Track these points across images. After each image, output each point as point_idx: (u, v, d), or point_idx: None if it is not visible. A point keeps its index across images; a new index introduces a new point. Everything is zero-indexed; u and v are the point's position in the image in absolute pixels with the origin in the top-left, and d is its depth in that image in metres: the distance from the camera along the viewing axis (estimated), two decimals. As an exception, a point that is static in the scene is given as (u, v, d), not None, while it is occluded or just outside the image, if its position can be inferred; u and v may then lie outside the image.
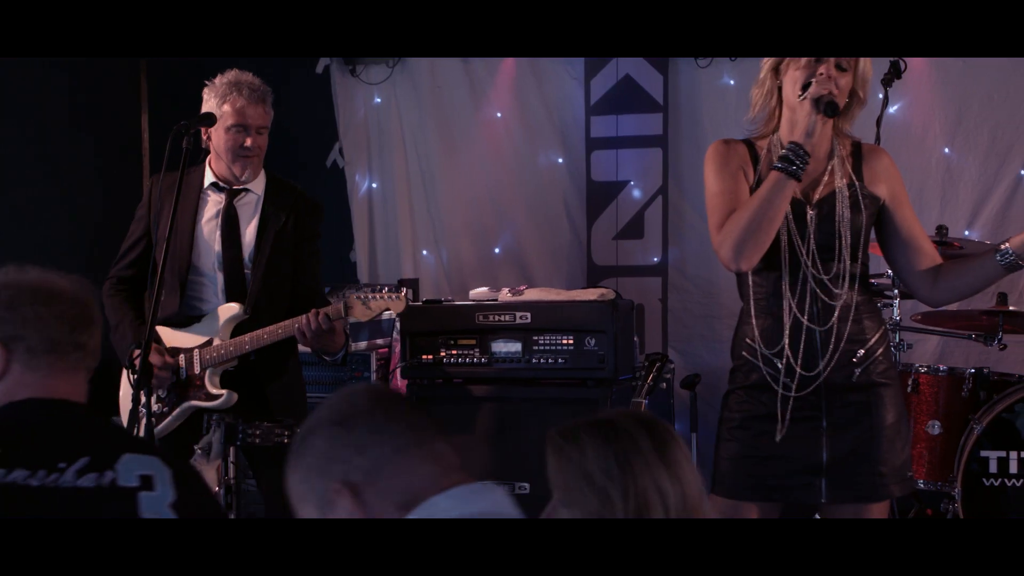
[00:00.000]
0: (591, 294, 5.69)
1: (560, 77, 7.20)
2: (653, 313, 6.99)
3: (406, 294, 4.41)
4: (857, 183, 3.50)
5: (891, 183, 3.57)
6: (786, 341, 3.45)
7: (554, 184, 7.24)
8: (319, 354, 4.54)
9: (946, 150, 6.80)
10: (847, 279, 3.46)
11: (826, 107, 3.34)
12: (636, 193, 7.04)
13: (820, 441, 3.47)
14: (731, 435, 3.57)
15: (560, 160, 7.24)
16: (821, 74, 3.38)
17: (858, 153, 3.59)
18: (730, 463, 3.56)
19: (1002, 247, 3.37)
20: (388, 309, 4.35)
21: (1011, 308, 5.24)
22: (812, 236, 3.46)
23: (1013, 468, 4.93)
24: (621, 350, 5.53)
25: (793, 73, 3.45)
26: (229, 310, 4.47)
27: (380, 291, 4.37)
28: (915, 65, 6.71)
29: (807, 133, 3.36)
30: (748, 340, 3.55)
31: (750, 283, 3.55)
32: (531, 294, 5.74)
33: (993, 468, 4.94)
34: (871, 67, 3.56)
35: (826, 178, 3.50)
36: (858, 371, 3.47)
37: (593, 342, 5.48)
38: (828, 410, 3.47)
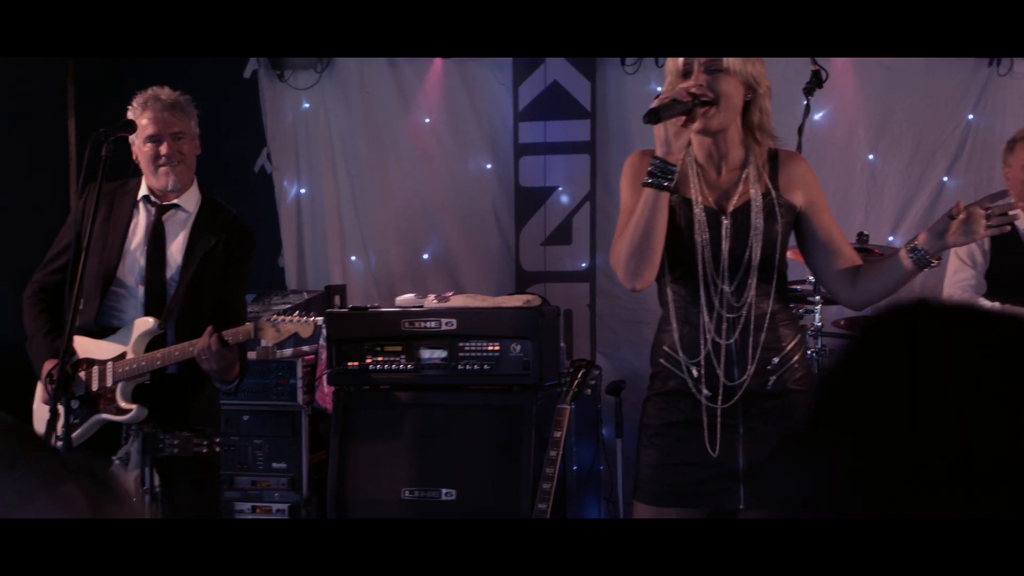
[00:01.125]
0: (517, 300, 5.69)
1: (488, 83, 7.21)
2: (582, 319, 7.01)
3: (315, 319, 4.39)
4: (773, 192, 3.47)
5: (808, 190, 3.54)
6: (709, 350, 3.44)
7: (483, 190, 7.25)
8: (214, 380, 4.48)
9: (870, 156, 6.88)
10: (756, 288, 3.45)
11: (646, 115, 3.26)
12: (564, 199, 7.05)
13: (737, 448, 3.46)
14: (650, 442, 3.55)
15: (489, 166, 7.24)
16: (685, 87, 3.33)
17: (775, 160, 3.55)
18: (650, 470, 3.54)
19: (912, 245, 3.39)
20: (297, 332, 4.32)
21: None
22: (727, 246, 3.45)
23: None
24: (546, 356, 5.54)
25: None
26: (144, 324, 4.42)
27: (291, 314, 4.35)
28: (839, 72, 6.78)
29: (662, 144, 3.31)
30: (666, 348, 3.52)
31: (668, 291, 3.53)
32: (457, 300, 5.73)
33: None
34: (754, 62, 3.44)
35: (740, 188, 3.48)
36: (773, 378, 3.46)
37: (519, 348, 5.48)
38: (745, 417, 3.46)
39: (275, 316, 4.32)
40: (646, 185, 3.31)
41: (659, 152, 3.30)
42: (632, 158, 3.58)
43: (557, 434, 4.93)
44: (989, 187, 6.58)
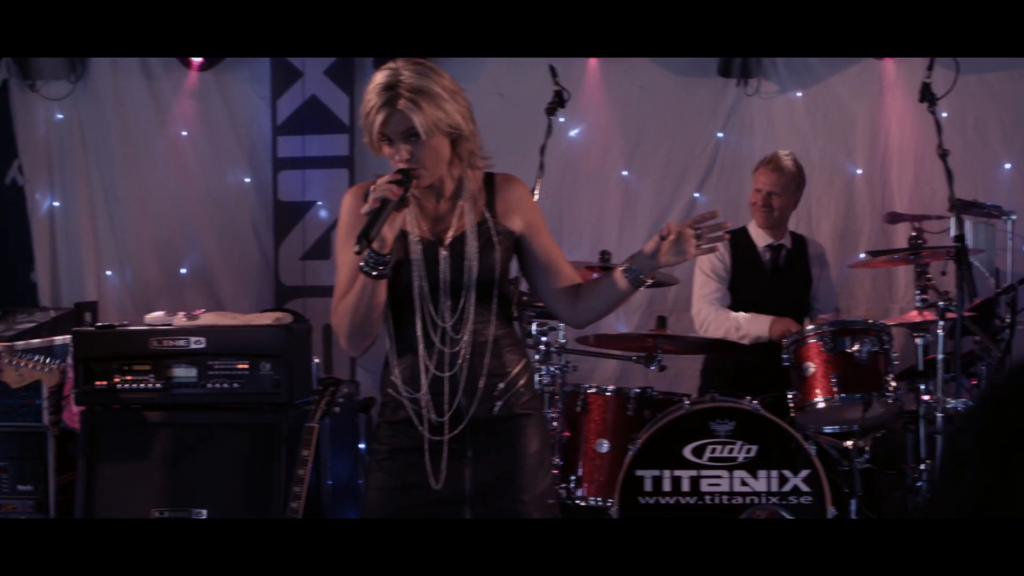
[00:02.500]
0: (267, 318, 5.66)
1: (246, 96, 7.17)
2: (342, 333, 7.01)
3: (60, 366, 4.28)
4: (490, 219, 3.47)
5: (525, 213, 3.55)
6: (429, 383, 3.41)
7: (241, 203, 7.20)
8: None
9: (624, 173, 7.06)
10: (478, 316, 3.45)
11: (359, 241, 3.11)
12: (323, 213, 7.05)
13: (463, 471, 3.48)
14: (379, 466, 3.55)
15: (247, 179, 7.20)
16: (397, 162, 3.27)
17: (490, 186, 3.53)
18: (377, 493, 3.54)
19: (628, 265, 3.48)
20: (40, 380, 4.23)
21: (668, 332, 5.44)
22: (446, 276, 3.43)
23: (667, 486, 5.10)
24: (297, 374, 5.51)
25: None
26: None
27: (36, 360, 4.25)
28: (593, 90, 6.95)
29: (379, 241, 3.18)
30: (393, 378, 3.50)
31: (390, 323, 3.48)
32: (207, 319, 5.66)
33: (648, 487, 5.10)
34: (443, 105, 3.29)
35: (456, 217, 3.46)
36: (499, 404, 3.48)
37: (268, 366, 5.44)
38: (472, 441, 3.48)
39: (18, 360, 4.21)
40: (363, 273, 3.22)
41: (374, 246, 3.16)
42: (349, 199, 3.48)
43: (305, 453, 4.92)
44: (738, 202, 6.84)
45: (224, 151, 7.20)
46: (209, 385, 5.51)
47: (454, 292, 3.42)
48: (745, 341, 5.83)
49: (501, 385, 3.48)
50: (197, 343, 5.51)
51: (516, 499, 3.50)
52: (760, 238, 6.10)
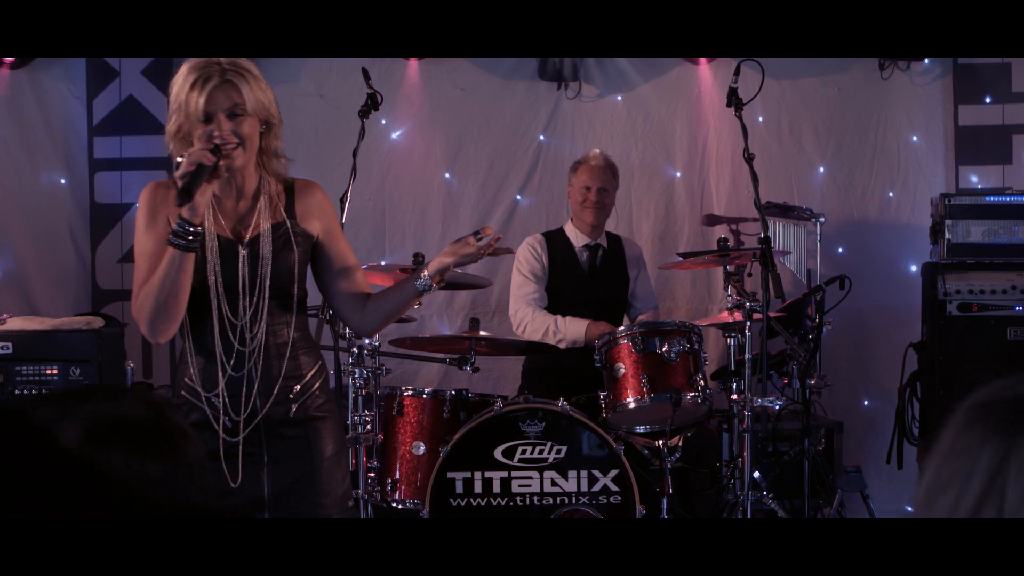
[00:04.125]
0: (78, 323, 5.56)
1: (62, 95, 7.00)
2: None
3: None
4: (288, 221, 3.50)
5: (324, 218, 3.59)
6: (225, 382, 3.43)
7: (57, 206, 7.02)
8: None
9: (447, 175, 7.07)
10: (274, 317, 3.46)
11: (180, 191, 3.16)
12: (141, 216, 6.93)
13: (261, 476, 3.49)
14: None
15: (63, 181, 7.03)
16: (216, 136, 3.26)
17: (291, 190, 3.56)
18: None
19: (421, 274, 3.51)
20: None
21: (483, 333, 5.46)
22: (243, 275, 3.44)
23: (478, 488, 5.13)
24: (108, 379, 5.44)
25: (197, 139, 3.30)
26: None
27: None
28: (412, 92, 6.96)
29: (187, 208, 3.20)
30: (187, 380, 3.48)
31: (187, 322, 3.46)
32: (13, 323, 5.55)
33: (459, 488, 5.12)
34: (265, 88, 3.40)
35: (256, 217, 3.47)
36: (295, 407, 3.50)
37: (78, 371, 5.36)
38: (268, 445, 3.49)
39: None
40: (172, 245, 3.23)
41: (184, 214, 3.19)
42: (146, 193, 3.48)
43: (113, 459, 4.84)
44: (559, 204, 6.91)
45: (38, 152, 7.02)
46: (16, 391, 5.40)
47: (252, 291, 3.42)
48: (562, 345, 5.90)
49: (297, 387, 3.50)
50: (3, 348, 5.40)
51: (316, 502, 3.52)
52: (577, 239, 6.19)
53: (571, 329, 5.93)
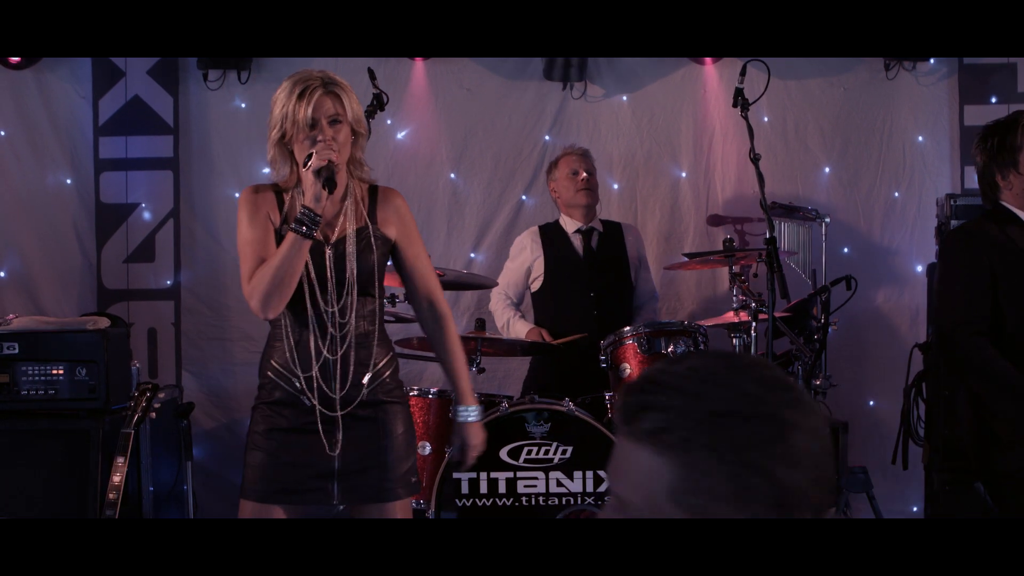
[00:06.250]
0: (84, 323, 5.56)
1: (68, 95, 7.00)
2: (167, 337, 6.92)
3: None
4: (370, 225, 3.86)
5: (401, 224, 3.96)
6: (318, 364, 3.79)
7: (63, 206, 7.02)
8: None
9: (452, 175, 7.07)
10: (356, 311, 3.82)
11: (326, 182, 3.64)
12: (147, 215, 6.94)
13: (334, 452, 3.82)
14: (256, 445, 3.86)
15: (69, 181, 7.03)
16: (320, 140, 3.68)
17: (374, 196, 3.95)
18: (255, 471, 3.84)
19: (465, 410, 4.15)
20: None
21: (488, 334, 5.47)
22: (331, 273, 3.79)
23: (483, 488, 5.13)
24: (114, 379, 5.43)
25: (300, 144, 3.76)
26: None
27: None
28: (418, 93, 6.96)
29: (315, 199, 3.65)
30: (275, 362, 3.85)
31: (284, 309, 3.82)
32: (19, 323, 5.54)
33: (465, 489, 5.13)
34: (357, 103, 3.85)
35: (342, 220, 3.84)
36: (367, 391, 3.84)
37: (84, 372, 5.36)
38: (343, 424, 3.83)
39: None
40: (294, 231, 3.67)
41: (309, 203, 3.66)
42: (247, 193, 3.87)
43: (120, 459, 4.85)
44: (565, 204, 6.91)
45: (44, 152, 7.01)
46: (23, 392, 5.40)
47: (338, 287, 3.81)
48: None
49: (369, 374, 3.86)
50: (10, 348, 5.40)
51: (382, 476, 3.88)
52: (569, 225, 6.26)
53: (516, 330, 6.16)
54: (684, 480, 1.56)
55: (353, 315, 3.81)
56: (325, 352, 3.79)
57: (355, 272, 3.80)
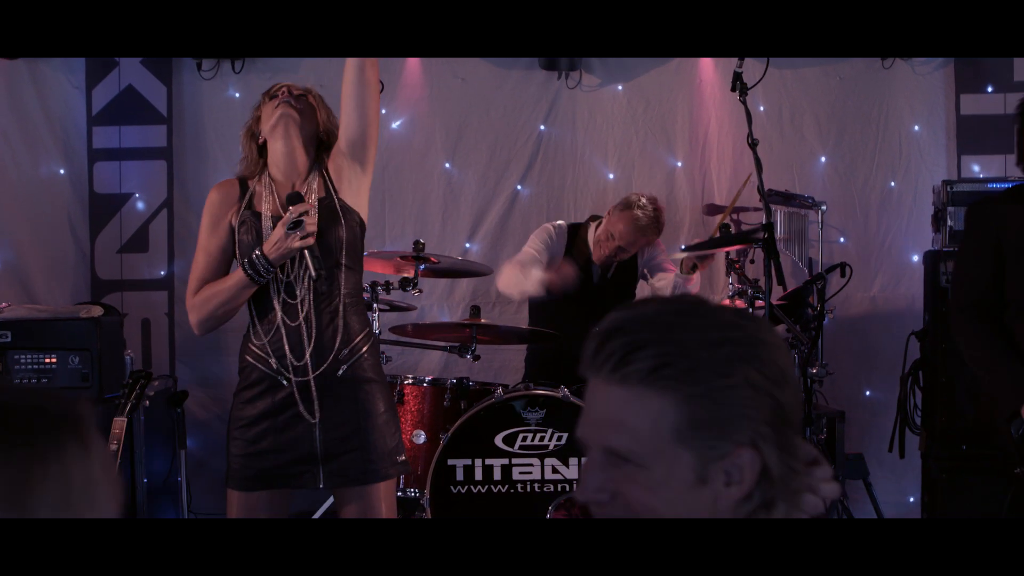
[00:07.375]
0: (76, 311, 5.54)
1: (61, 85, 6.97)
2: (160, 327, 6.90)
3: None
4: (335, 196, 3.79)
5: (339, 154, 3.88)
6: (285, 342, 3.74)
7: (56, 196, 6.99)
8: None
9: (447, 165, 7.04)
10: (326, 283, 3.75)
11: (295, 226, 3.65)
12: (140, 206, 6.91)
13: (314, 434, 3.75)
14: (239, 434, 3.83)
15: (62, 171, 7.00)
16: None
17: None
18: (237, 459, 3.82)
19: None
20: None
21: (483, 321, 5.44)
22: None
23: (479, 475, 5.11)
24: (107, 368, 5.42)
25: (266, 107, 3.85)
26: None
27: None
28: (412, 81, 6.93)
29: (274, 245, 3.67)
30: (252, 345, 3.81)
31: (251, 300, 3.82)
32: (12, 312, 5.53)
33: (460, 476, 5.11)
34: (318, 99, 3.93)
35: (306, 192, 3.78)
36: (344, 367, 3.76)
37: (77, 360, 5.34)
38: (320, 406, 3.75)
39: None
40: (248, 276, 3.69)
41: (269, 251, 3.67)
42: (212, 196, 3.88)
43: (113, 446, 4.82)
44: (560, 194, 6.91)
45: (37, 142, 6.99)
46: (15, 380, 5.38)
47: (301, 258, 3.72)
48: (527, 289, 5.84)
49: (346, 350, 3.77)
50: (2, 337, 5.38)
51: (365, 458, 3.79)
52: (595, 247, 6.07)
53: (534, 276, 5.81)
54: (692, 415, 1.53)
55: (325, 286, 3.75)
56: (293, 323, 3.74)
57: (324, 244, 3.74)
